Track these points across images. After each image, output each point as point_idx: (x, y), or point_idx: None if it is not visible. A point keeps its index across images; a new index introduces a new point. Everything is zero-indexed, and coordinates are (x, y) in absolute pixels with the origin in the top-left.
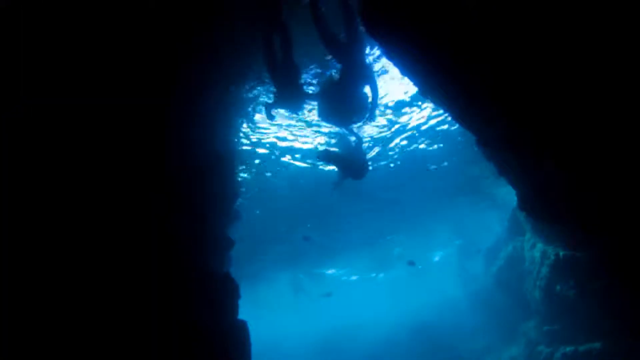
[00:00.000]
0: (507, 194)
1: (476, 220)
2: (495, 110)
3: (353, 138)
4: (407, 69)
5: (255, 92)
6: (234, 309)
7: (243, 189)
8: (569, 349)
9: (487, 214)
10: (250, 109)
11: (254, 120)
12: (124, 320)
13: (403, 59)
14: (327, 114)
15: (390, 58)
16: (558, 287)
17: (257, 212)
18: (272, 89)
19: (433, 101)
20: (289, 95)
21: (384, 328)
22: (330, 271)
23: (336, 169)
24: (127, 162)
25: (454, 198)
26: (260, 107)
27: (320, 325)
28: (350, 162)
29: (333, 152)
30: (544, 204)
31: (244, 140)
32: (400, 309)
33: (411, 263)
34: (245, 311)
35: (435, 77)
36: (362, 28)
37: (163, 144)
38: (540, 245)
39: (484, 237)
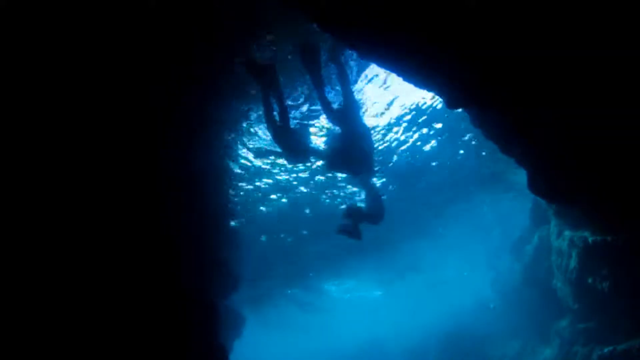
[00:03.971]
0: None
1: (497, 213)
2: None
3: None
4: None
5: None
6: (212, 331)
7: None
8: (606, 349)
9: (508, 205)
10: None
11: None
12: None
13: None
14: (338, 167)
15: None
16: (590, 280)
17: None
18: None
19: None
20: (296, 154)
21: (410, 340)
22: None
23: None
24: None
25: (472, 194)
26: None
27: (343, 344)
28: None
29: (357, 207)
30: (552, 181)
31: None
32: (426, 318)
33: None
34: (274, 337)
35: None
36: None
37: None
38: (567, 233)
39: (507, 233)
